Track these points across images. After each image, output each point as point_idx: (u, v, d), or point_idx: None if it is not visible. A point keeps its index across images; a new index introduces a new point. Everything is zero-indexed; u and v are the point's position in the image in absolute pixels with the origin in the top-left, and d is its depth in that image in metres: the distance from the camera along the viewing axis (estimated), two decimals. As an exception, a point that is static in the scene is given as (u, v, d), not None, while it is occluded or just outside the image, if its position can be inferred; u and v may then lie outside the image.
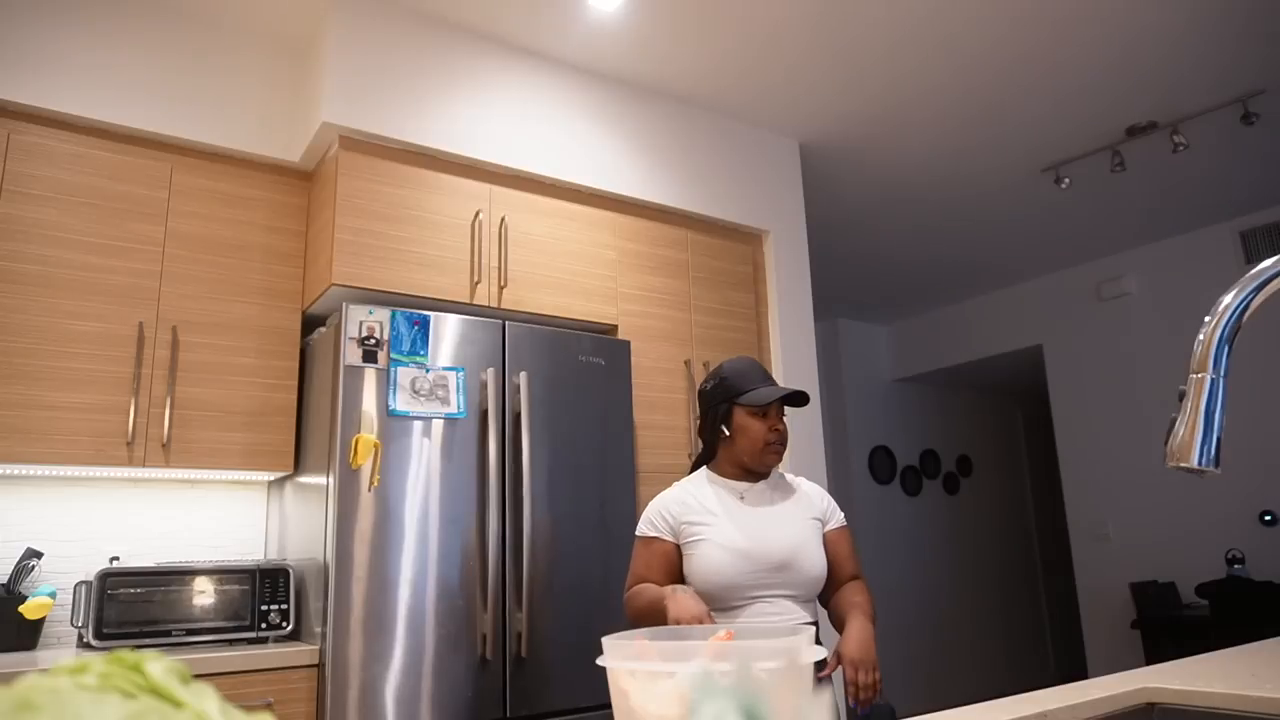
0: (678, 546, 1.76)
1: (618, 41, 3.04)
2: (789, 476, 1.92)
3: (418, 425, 2.42)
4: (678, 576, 1.75)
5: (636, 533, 1.81)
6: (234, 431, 2.58)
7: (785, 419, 1.83)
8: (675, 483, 1.88)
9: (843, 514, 1.91)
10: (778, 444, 1.79)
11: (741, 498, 1.80)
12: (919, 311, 6.43)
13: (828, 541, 1.82)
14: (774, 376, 1.88)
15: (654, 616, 1.63)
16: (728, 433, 1.80)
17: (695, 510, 1.77)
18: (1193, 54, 3.28)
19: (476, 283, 2.73)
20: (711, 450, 1.87)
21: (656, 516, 1.79)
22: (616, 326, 3.03)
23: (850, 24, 3.01)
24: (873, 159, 3.99)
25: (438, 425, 2.45)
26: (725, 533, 1.73)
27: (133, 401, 2.42)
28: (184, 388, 2.52)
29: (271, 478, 2.80)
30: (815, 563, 1.75)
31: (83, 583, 2.30)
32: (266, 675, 2.18)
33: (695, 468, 1.92)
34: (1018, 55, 3.23)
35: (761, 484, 1.83)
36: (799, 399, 1.79)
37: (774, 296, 3.52)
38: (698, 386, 3.15)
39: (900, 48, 3.16)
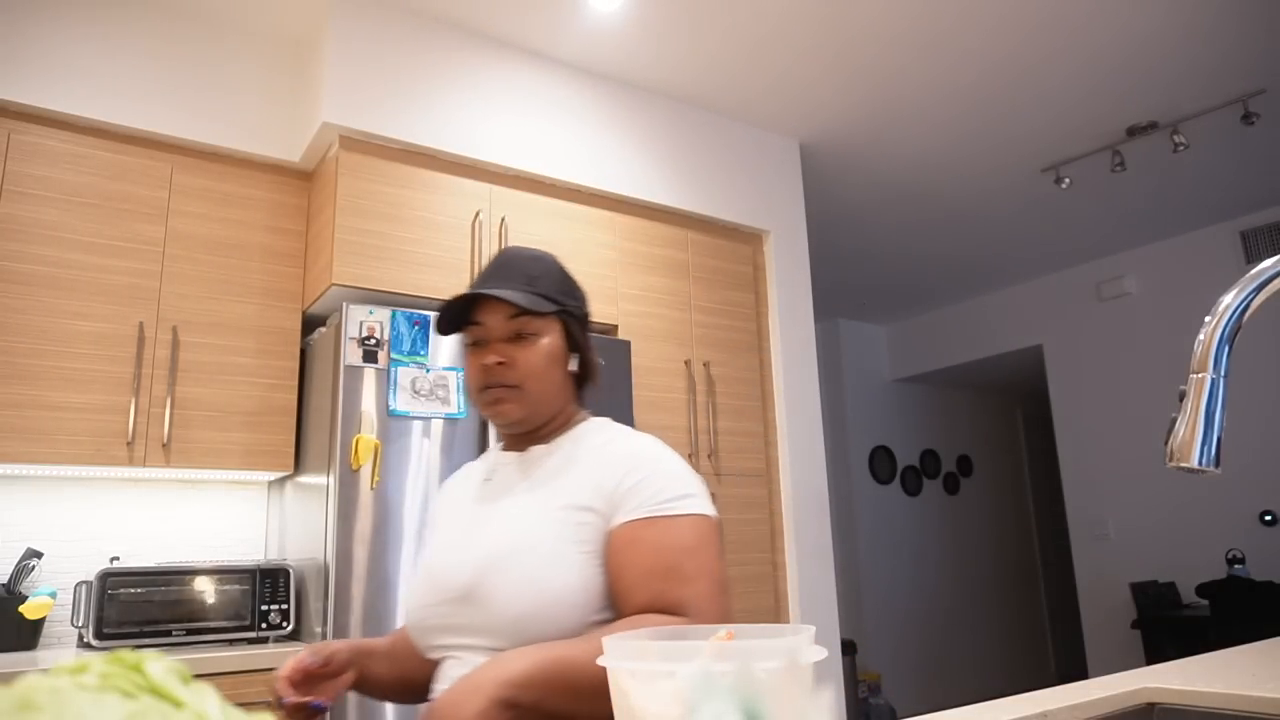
0: None
1: (618, 41, 3.04)
2: (603, 436, 1.15)
3: (418, 425, 2.42)
4: None
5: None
6: (234, 431, 2.58)
7: (538, 343, 1.11)
8: None
9: (676, 498, 1.04)
10: (495, 387, 1.10)
11: (487, 479, 1.17)
12: (919, 311, 6.43)
13: (610, 548, 1.03)
14: (483, 293, 1.10)
15: None
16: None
17: (438, 509, 1.25)
18: (1193, 54, 3.28)
19: (476, 283, 2.73)
20: None
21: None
22: (616, 326, 3.02)
23: (850, 24, 3.01)
24: (873, 159, 3.99)
25: (438, 425, 2.45)
26: (434, 542, 1.17)
27: (133, 401, 2.42)
28: (184, 388, 2.52)
29: (271, 478, 2.80)
30: (515, 593, 0.99)
31: (83, 583, 2.30)
32: (266, 675, 2.18)
33: None
34: (1018, 55, 3.23)
35: (532, 455, 1.15)
36: (516, 300, 1.08)
37: (774, 296, 3.52)
38: (695, 385, 3.17)
39: (901, 48, 3.16)
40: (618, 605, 1.02)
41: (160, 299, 2.53)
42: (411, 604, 1.12)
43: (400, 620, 2.28)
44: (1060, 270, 5.65)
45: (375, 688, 1.18)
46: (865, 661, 5.55)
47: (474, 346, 1.14)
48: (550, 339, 1.13)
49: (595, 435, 1.15)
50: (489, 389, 1.11)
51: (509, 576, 1.01)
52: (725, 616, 1.00)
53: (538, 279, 1.14)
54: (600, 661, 0.65)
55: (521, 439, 1.17)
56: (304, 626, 2.46)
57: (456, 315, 1.13)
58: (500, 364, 1.10)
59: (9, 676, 1.77)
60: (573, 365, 1.17)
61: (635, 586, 0.99)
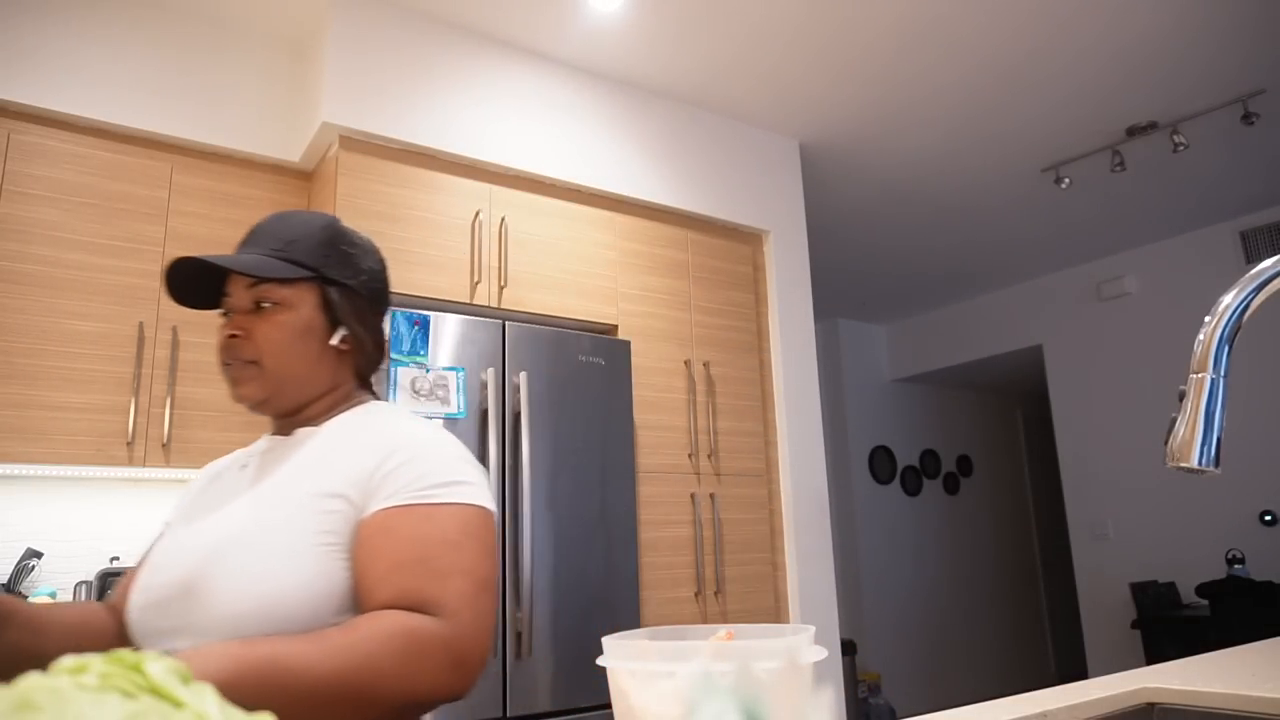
0: None
1: (618, 41, 3.04)
2: (376, 420, 1.02)
3: (418, 425, 2.42)
4: None
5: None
6: (234, 431, 2.58)
7: (278, 315, 0.99)
8: None
9: (444, 485, 0.93)
10: (233, 363, 1.00)
11: (244, 466, 1.06)
12: (919, 311, 6.43)
13: (360, 539, 0.90)
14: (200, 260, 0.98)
15: None
16: None
17: (184, 501, 1.10)
18: (1193, 54, 3.28)
19: (476, 283, 2.74)
20: None
21: None
22: (616, 326, 3.03)
23: (850, 24, 3.01)
24: (873, 159, 3.99)
25: (437, 425, 2.45)
26: (161, 539, 1.04)
27: (133, 401, 2.42)
28: (184, 388, 2.52)
29: (271, 478, 2.80)
30: (237, 588, 0.86)
31: (83, 583, 2.30)
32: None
33: None
34: (1018, 55, 3.23)
35: (295, 439, 1.03)
36: (247, 267, 0.97)
37: (774, 296, 3.52)
38: (695, 386, 3.17)
39: (900, 47, 3.16)
40: (361, 603, 0.88)
41: (160, 299, 2.53)
42: (129, 600, 0.95)
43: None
44: (1060, 270, 5.65)
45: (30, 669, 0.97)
46: (865, 661, 5.55)
47: (224, 319, 1.03)
48: (300, 310, 1.01)
49: (367, 418, 1.03)
50: (227, 366, 1.01)
51: (231, 568, 0.87)
52: (485, 619, 0.89)
53: (295, 243, 1.02)
54: (600, 661, 0.64)
55: (288, 423, 1.05)
56: (304, 626, 2.46)
57: (193, 285, 1.01)
58: (233, 337, 0.99)
59: (9, 676, 1.76)
60: (336, 340, 1.03)
61: (381, 581, 0.86)
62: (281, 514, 0.91)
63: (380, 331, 1.10)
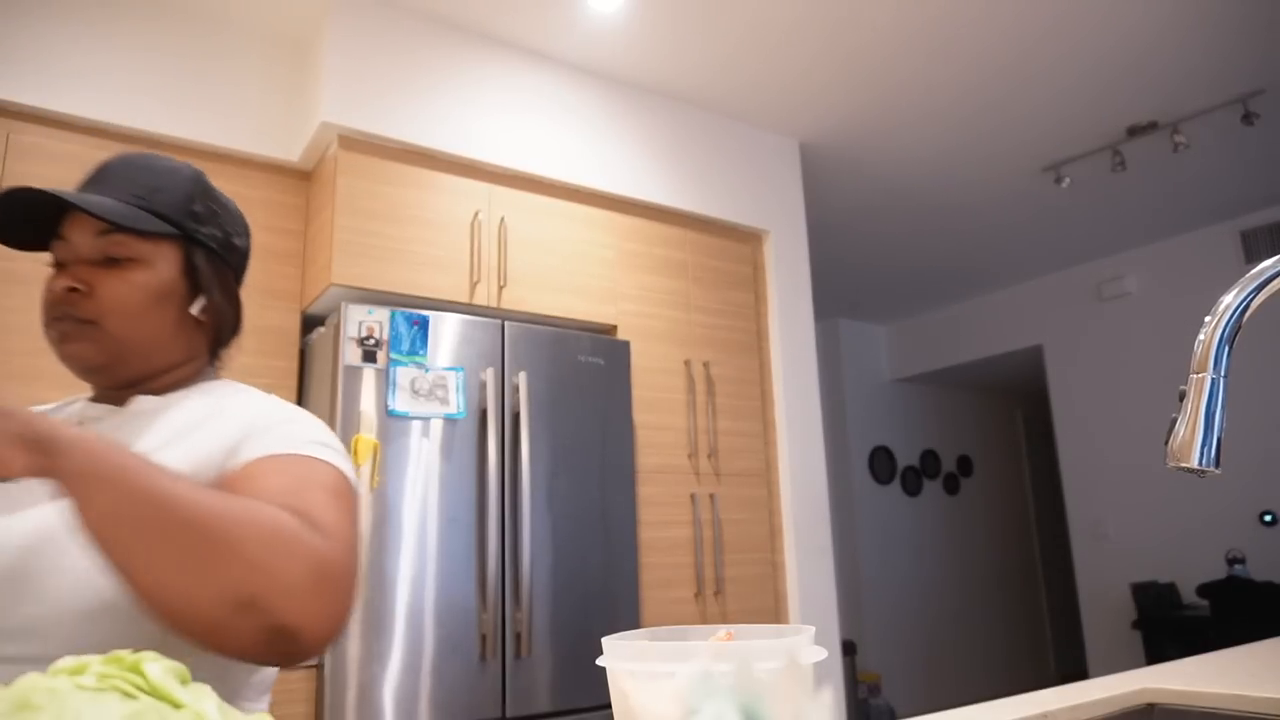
0: None
1: (618, 41, 3.04)
2: (239, 395, 0.94)
3: (417, 425, 2.42)
4: None
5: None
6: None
7: (134, 272, 0.87)
8: None
9: (317, 444, 0.86)
10: (65, 320, 0.85)
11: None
12: (919, 311, 6.43)
13: (237, 478, 0.80)
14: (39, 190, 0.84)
15: None
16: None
17: None
18: (1193, 54, 3.28)
19: (476, 283, 2.73)
20: None
21: None
22: (616, 326, 3.03)
23: (850, 24, 3.01)
24: (873, 159, 3.99)
25: (437, 425, 2.45)
26: None
27: (132, 401, 2.41)
28: (184, 388, 2.51)
29: (271, 478, 2.80)
30: (84, 580, 0.73)
31: (82, 583, 2.30)
32: (266, 675, 2.18)
33: None
34: (1018, 55, 3.23)
35: (136, 408, 0.90)
36: (105, 210, 0.84)
37: (774, 296, 3.52)
38: (695, 386, 3.17)
39: (901, 47, 3.16)
40: None
41: (160, 299, 2.53)
42: None
43: (400, 623, 2.29)
44: (1060, 270, 5.66)
45: None
46: (865, 661, 5.55)
47: (56, 269, 0.88)
48: (158, 270, 0.88)
49: (228, 395, 0.93)
50: (57, 321, 0.85)
51: (76, 557, 0.73)
52: (355, 572, 0.77)
53: (158, 191, 0.90)
54: (599, 662, 0.64)
55: (121, 393, 0.91)
56: (304, 626, 2.46)
57: (19, 219, 0.86)
58: (73, 290, 0.84)
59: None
60: (195, 309, 0.92)
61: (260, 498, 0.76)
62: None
63: (240, 304, 0.99)
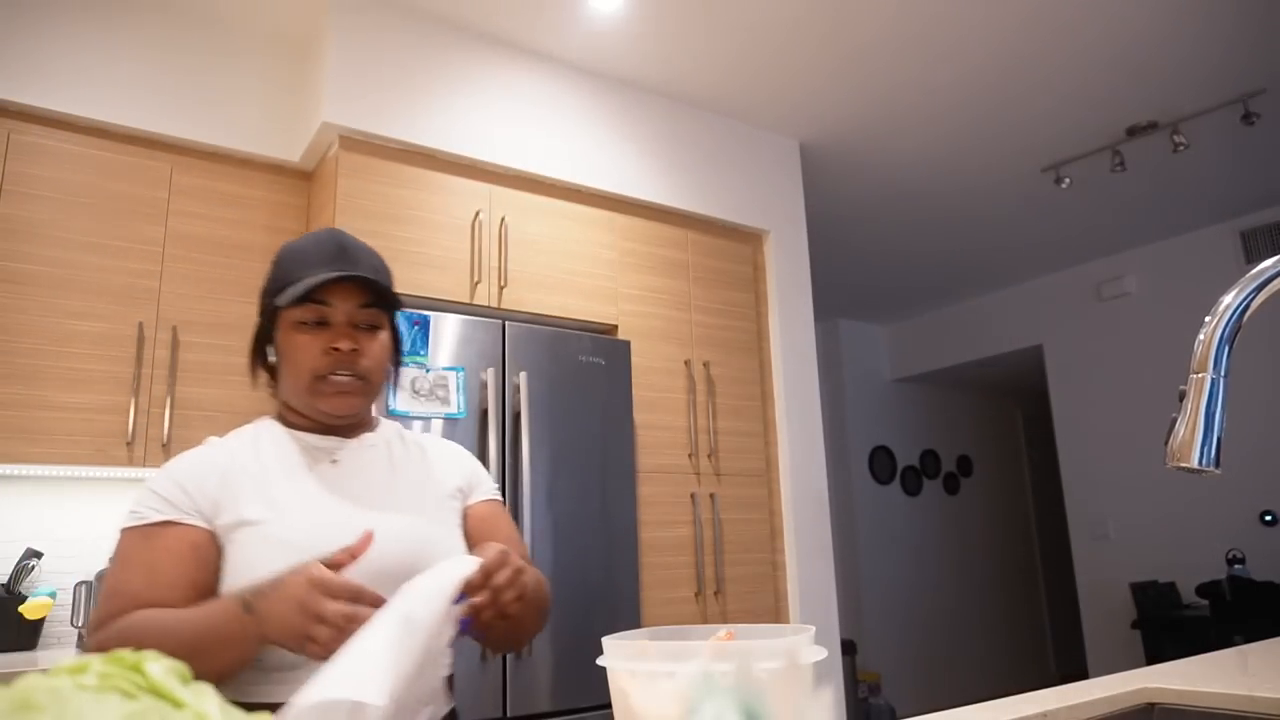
0: (212, 535, 1.00)
1: (618, 41, 3.04)
2: (415, 433, 1.23)
3: (418, 425, 2.42)
4: (213, 585, 0.99)
5: (123, 522, 1.01)
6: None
7: (380, 336, 1.10)
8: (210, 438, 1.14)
9: (495, 486, 1.24)
10: (343, 375, 1.06)
11: (334, 461, 1.10)
12: (919, 311, 6.43)
13: (474, 518, 1.16)
14: (361, 276, 1.06)
15: (203, 641, 0.89)
16: (272, 357, 1.11)
17: (238, 477, 1.04)
18: (1193, 54, 3.28)
19: (476, 283, 2.74)
20: (272, 389, 1.17)
21: (167, 488, 1.01)
22: (616, 326, 3.03)
23: (850, 24, 3.01)
24: (873, 159, 3.99)
25: (438, 425, 2.45)
26: (284, 521, 1.01)
27: (133, 401, 2.42)
28: (184, 388, 2.52)
29: (271, 478, 2.80)
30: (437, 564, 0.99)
31: (83, 583, 2.30)
32: (266, 675, 2.18)
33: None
34: (1018, 55, 3.23)
35: (361, 441, 1.13)
36: (379, 291, 1.07)
37: (774, 296, 3.52)
38: (695, 386, 3.17)
39: (900, 47, 3.16)
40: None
41: (160, 299, 2.53)
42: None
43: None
44: (1060, 270, 5.65)
45: None
46: (865, 661, 5.55)
47: (316, 326, 1.06)
48: (387, 335, 1.13)
49: (397, 427, 1.22)
50: (336, 375, 1.05)
51: (435, 557, 0.97)
52: None
53: (380, 272, 1.12)
54: (600, 661, 0.64)
55: (339, 427, 1.12)
56: (304, 626, 2.46)
57: (304, 289, 1.03)
58: (354, 351, 1.06)
59: (9, 676, 1.76)
60: (395, 366, 1.18)
61: (507, 544, 1.06)
62: (441, 513, 1.12)
63: None
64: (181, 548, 0.98)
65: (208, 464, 1.05)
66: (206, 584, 0.98)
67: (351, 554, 0.91)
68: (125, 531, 1.00)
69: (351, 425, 1.13)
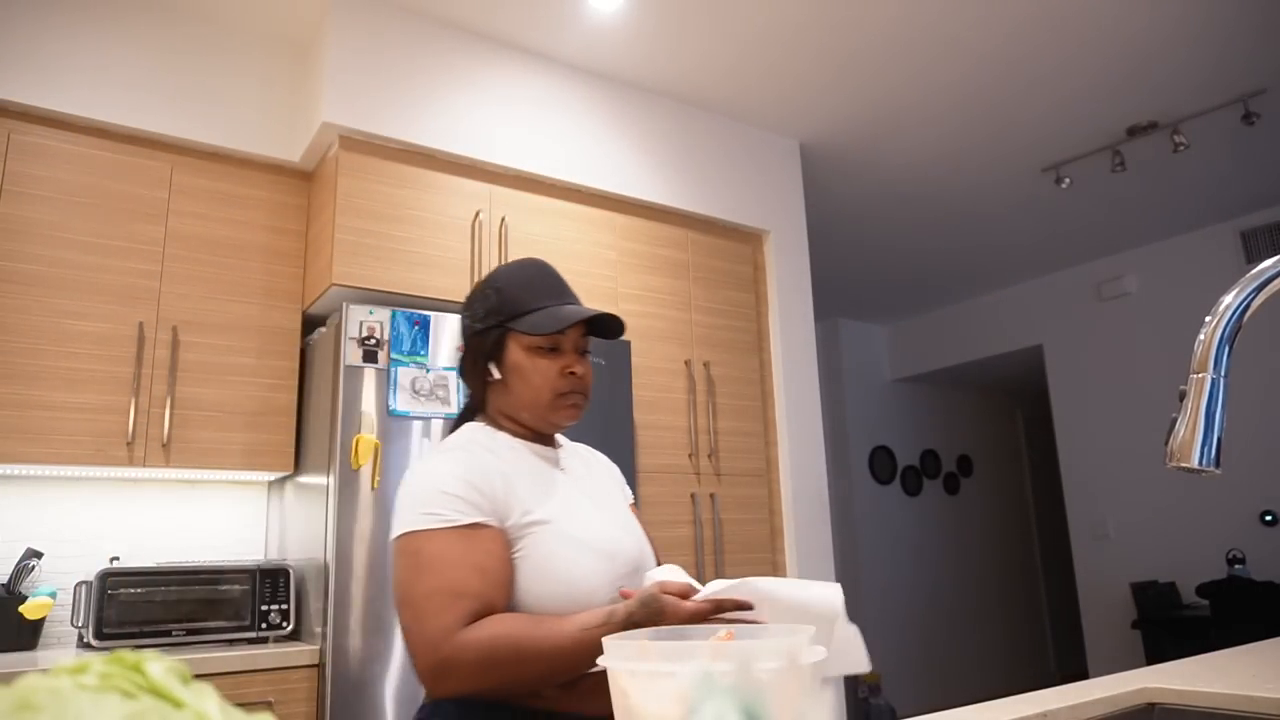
0: (504, 534, 1.10)
1: (618, 42, 3.04)
2: (574, 444, 1.38)
3: (418, 425, 2.42)
4: (510, 584, 1.09)
5: (419, 525, 1.07)
6: (234, 431, 2.58)
7: (590, 361, 1.26)
8: (449, 442, 1.23)
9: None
10: (576, 394, 1.22)
11: (561, 468, 1.25)
12: (919, 311, 6.43)
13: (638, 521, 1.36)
14: (606, 314, 1.21)
15: (579, 655, 0.99)
16: (497, 374, 1.21)
17: (514, 480, 1.14)
18: (1193, 54, 3.28)
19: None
20: (480, 400, 1.26)
21: (464, 490, 1.09)
22: (616, 326, 3.02)
23: (850, 24, 3.01)
24: (873, 159, 3.98)
25: (438, 425, 2.45)
26: (569, 519, 1.15)
27: (133, 401, 2.42)
28: (184, 388, 2.52)
29: (271, 478, 2.80)
30: (653, 561, 1.25)
31: (83, 583, 2.30)
32: (266, 675, 2.18)
33: (456, 425, 1.29)
34: (1018, 56, 3.23)
35: (569, 451, 1.32)
36: (610, 327, 1.24)
37: (774, 296, 3.52)
38: (695, 386, 3.17)
39: (901, 48, 3.16)
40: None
41: (160, 299, 2.53)
42: (590, 576, 1.11)
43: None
44: (1060, 270, 5.65)
45: None
46: (865, 661, 5.54)
47: (551, 352, 1.21)
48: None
49: (573, 442, 1.37)
50: (573, 394, 1.21)
51: (649, 550, 1.24)
52: None
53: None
54: (600, 661, 0.65)
55: (541, 436, 1.26)
56: (304, 627, 2.46)
57: (586, 320, 1.21)
58: (583, 374, 1.23)
59: (9, 676, 1.76)
60: None
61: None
62: (630, 513, 1.31)
63: None
64: (496, 548, 1.08)
65: (488, 468, 1.14)
66: (512, 582, 1.09)
67: (720, 606, 1.00)
68: (432, 533, 1.06)
69: (549, 435, 1.28)
